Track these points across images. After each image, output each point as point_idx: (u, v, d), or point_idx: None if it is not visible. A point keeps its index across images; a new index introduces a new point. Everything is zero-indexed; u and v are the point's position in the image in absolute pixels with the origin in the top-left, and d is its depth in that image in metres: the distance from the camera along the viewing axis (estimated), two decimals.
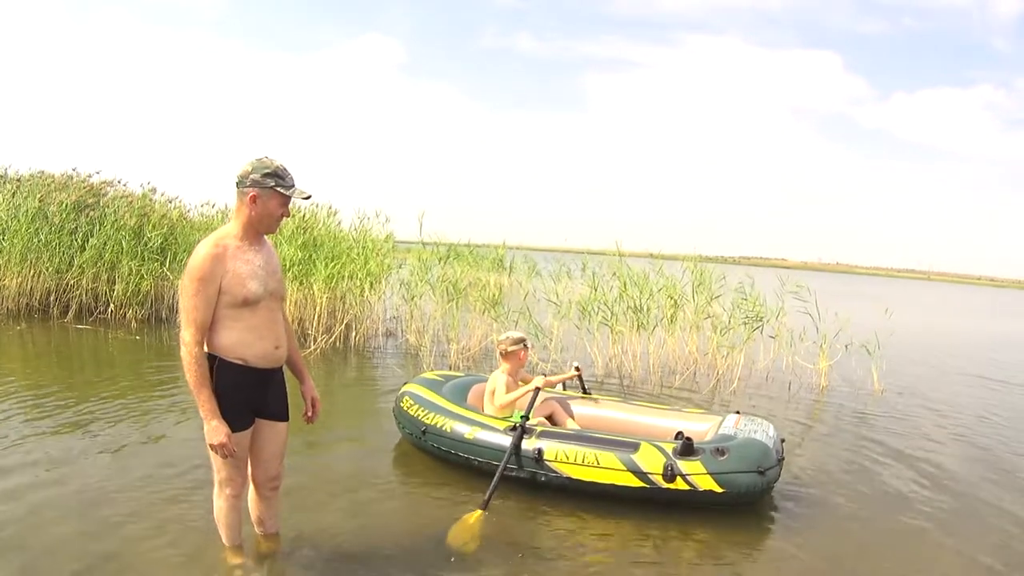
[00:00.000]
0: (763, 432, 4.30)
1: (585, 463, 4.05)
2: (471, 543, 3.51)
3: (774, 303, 8.64)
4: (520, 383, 4.80)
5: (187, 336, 2.64)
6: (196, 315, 2.65)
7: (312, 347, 7.79)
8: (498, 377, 4.74)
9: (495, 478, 3.99)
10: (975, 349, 13.66)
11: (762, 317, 8.40)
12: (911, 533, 4.01)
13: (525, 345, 4.84)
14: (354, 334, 8.53)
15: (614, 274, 8.76)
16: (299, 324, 8.32)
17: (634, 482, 3.97)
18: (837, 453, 5.43)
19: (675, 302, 8.55)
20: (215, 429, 2.68)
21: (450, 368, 6.99)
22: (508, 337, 4.82)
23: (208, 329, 2.70)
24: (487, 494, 3.87)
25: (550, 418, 4.88)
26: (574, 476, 4.07)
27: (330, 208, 9.50)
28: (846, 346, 8.35)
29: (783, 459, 4.28)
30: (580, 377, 5.16)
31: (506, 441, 4.20)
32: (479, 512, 3.77)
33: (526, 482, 4.16)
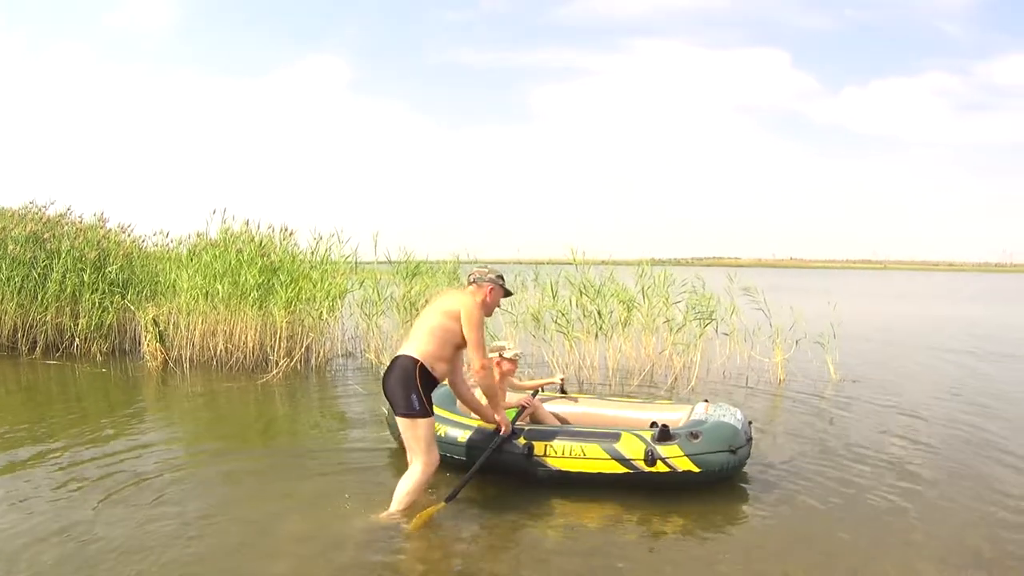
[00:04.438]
0: (731, 416, 4.68)
1: (572, 455, 4.35)
2: (418, 527, 3.73)
3: (726, 301, 8.89)
4: (505, 388, 5.03)
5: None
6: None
7: (274, 371, 7.88)
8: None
9: (468, 474, 4.19)
10: (927, 335, 14.18)
11: (714, 314, 8.63)
12: (873, 504, 4.28)
13: (512, 358, 5.09)
14: (314, 356, 8.66)
15: (569, 282, 8.96)
16: (260, 348, 8.44)
17: (619, 469, 4.30)
18: (799, 437, 5.74)
19: (628, 307, 8.77)
20: (503, 418, 4.35)
21: None
22: (502, 347, 5.10)
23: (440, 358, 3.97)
24: (456, 488, 4.06)
25: (533, 417, 5.06)
26: (563, 468, 4.35)
27: (286, 230, 9.54)
28: (797, 341, 8.61)
29: (752, 439, 4.65)
30: (564, 382, 5.55)
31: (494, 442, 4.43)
32: (441, 504, 3.96)
33: (515, 476, 4.39)
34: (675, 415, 4.97)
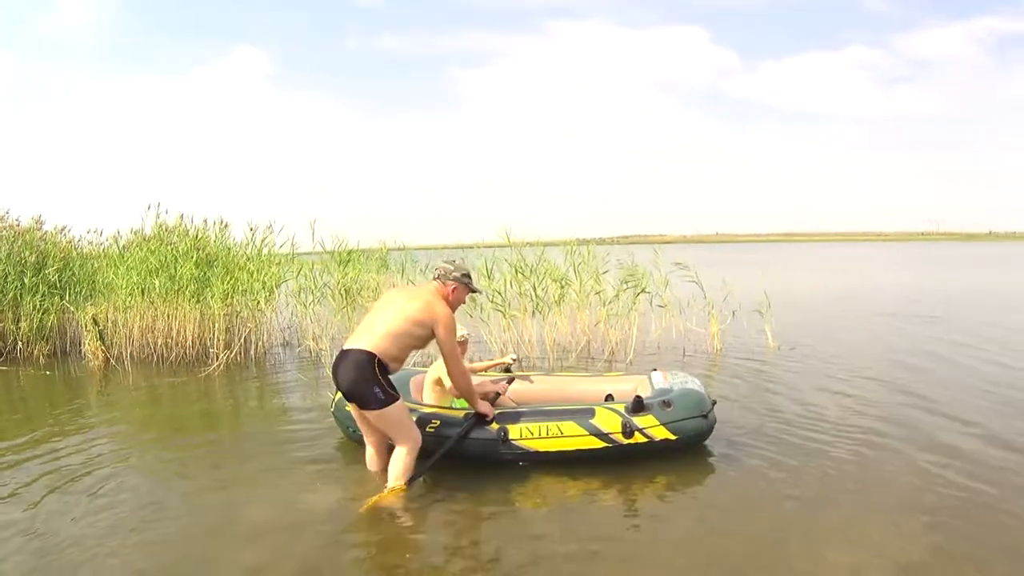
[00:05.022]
0: (692, 382, 4.81)
1: (549, 435, 4.35)
2: (373, 506, 3.77)
3: (657, 275, 9.16)
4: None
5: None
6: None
7: (215, 364, 8.00)
8: (441, 368, 4.69)
9: (431, 460, 4.12)
10: (858, 301, 14.80)
11: (645, 286, 8.91)
12: (821, 463, 4.48)
13: (460, 340, 4.72)
14: (254, 347, 8.77)
15: (506, 262, 9.22)
16: (199, 341, 8.54)
17: (598, 444, 4.34)
18: (740, 403, 5.91)
19: (560, 284, 9.08)
20: (486, 406, 4.34)
21: None
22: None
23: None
24: (418, 473, 4.03)
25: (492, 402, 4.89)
26: (541, 449, 4.35)
27: (221, 223, 9.64)
28: (733, 312, 8.97)
29: (715, 402, 4.76)
30: (516, 363, 5.52)
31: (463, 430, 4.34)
32: (400, 487, 3.93)
33: (491, 462, 4.34)
34: (628, 387, 5.07)
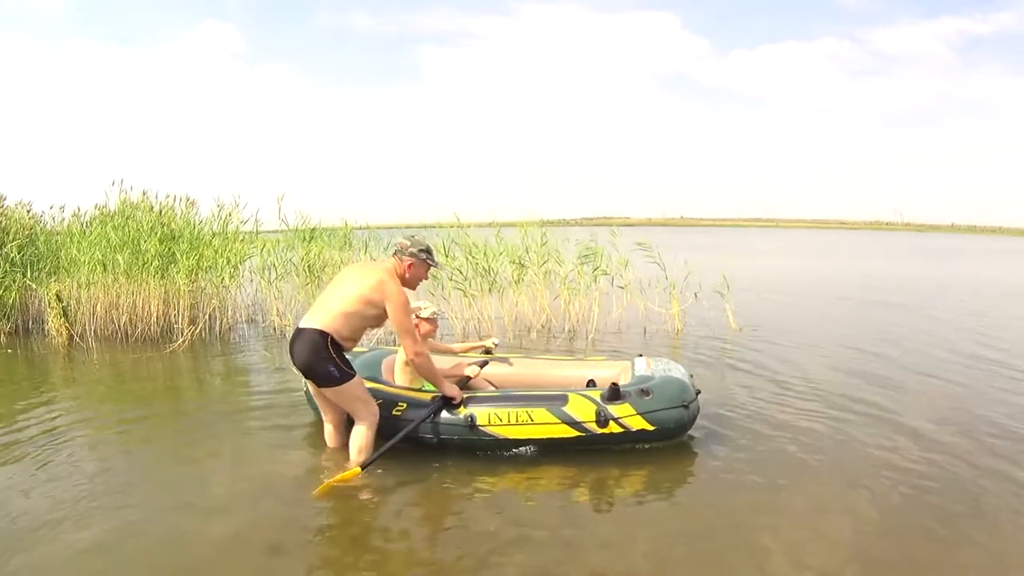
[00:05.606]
0: (676, 370, 4.58)
1: (519, 422, 4.14)
2: (327, 490, 3.75)
3: (616, 256, 9.35)
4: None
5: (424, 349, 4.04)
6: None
7: (179, 340, 8.07)
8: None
9: (389, 443, 4.04)
10: (820, 286, 15.20)
11: (604, 264, 9.12)
12: (785, 441, 4.60)
13: (429, 318, 4.76)
14: (218, 323, 8.84)
15: (456, 243, 9.37)
16: (164, 318, 8.56)
17: (570, 432, 4.13)
18: (707, 383, 5.64)
19: (520, 264, 9.28)
20: (453, 388, 4.20)
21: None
22: (417, 308, 4.70)
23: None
24: (374, 456, 3.97)
25: (468, 385, 4.77)
26: (511, 436, 4.16)
27: (187, 199, 9.60)
28: (695, 294, 9.18)
29: (700, 392, 4.53)
30: (497, 347, 5.34)
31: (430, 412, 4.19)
32: (356, 470, 3.90)
33: (459, 448, 4.23)
34: (611, 372, 4.87)
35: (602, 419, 4.12)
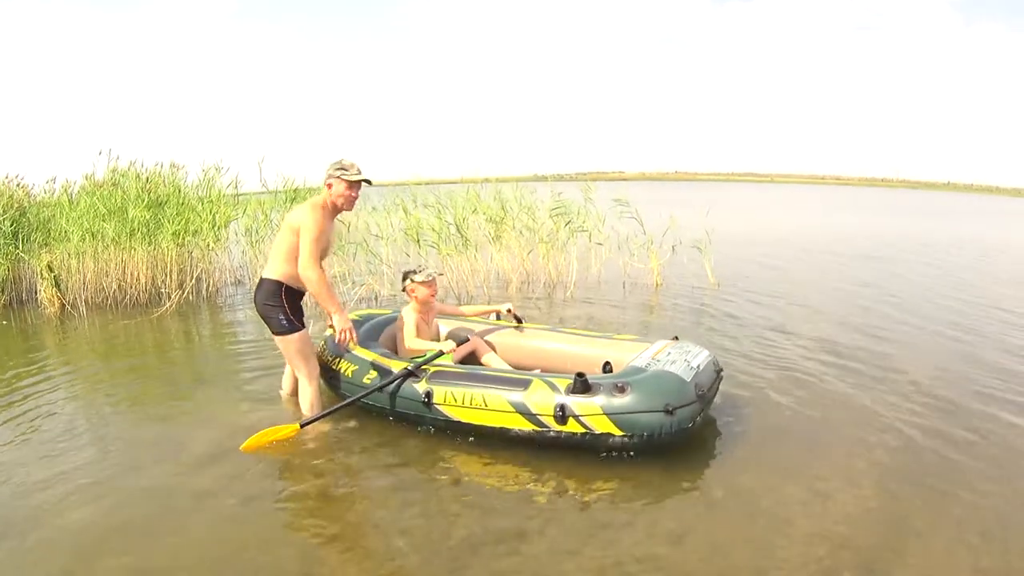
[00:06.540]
0: (685, 363, 3.76)
1: (472, 405, 3.68)
2: (257, 444, 3.81)
3: (594, 212, 9.51)
4: (429, 321, 4.67)
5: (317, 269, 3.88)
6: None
7: (167, 304, 8.22)
8: (406, 315, 4.51)
9: (336, 406, 3.96)
10: (806, 241, 15.22)
11: (572, 219, 9.25)
12: (772, 399, 4.56)
13: (424, 281, 4.49)
14: (205, 287, 9.01)
15: (422, 203, 9.60)
16: (152, 283, 8.75)
17: (524, 424, 3.58)
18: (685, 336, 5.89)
19: (496, 221, 9.45)
20: (345, 318, 4.07)
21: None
22: (412, 273, 4.56)
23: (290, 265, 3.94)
24: (316, 416, 3.95)
25: (472, 354, 4.64)
26: (463, 420, 3.73)
27: (174, 165, 9.79)
28: (673, 247, 9.32)
29: (709, 396, 3.80)
30: (510, 313, 4.91)
31: (390, 384, 3.95)
32: (295, 426, 3.92)
33: (414, 423, 4.01)
34: (631, 355, 4.08)
35: (560, 415, 3.49)
